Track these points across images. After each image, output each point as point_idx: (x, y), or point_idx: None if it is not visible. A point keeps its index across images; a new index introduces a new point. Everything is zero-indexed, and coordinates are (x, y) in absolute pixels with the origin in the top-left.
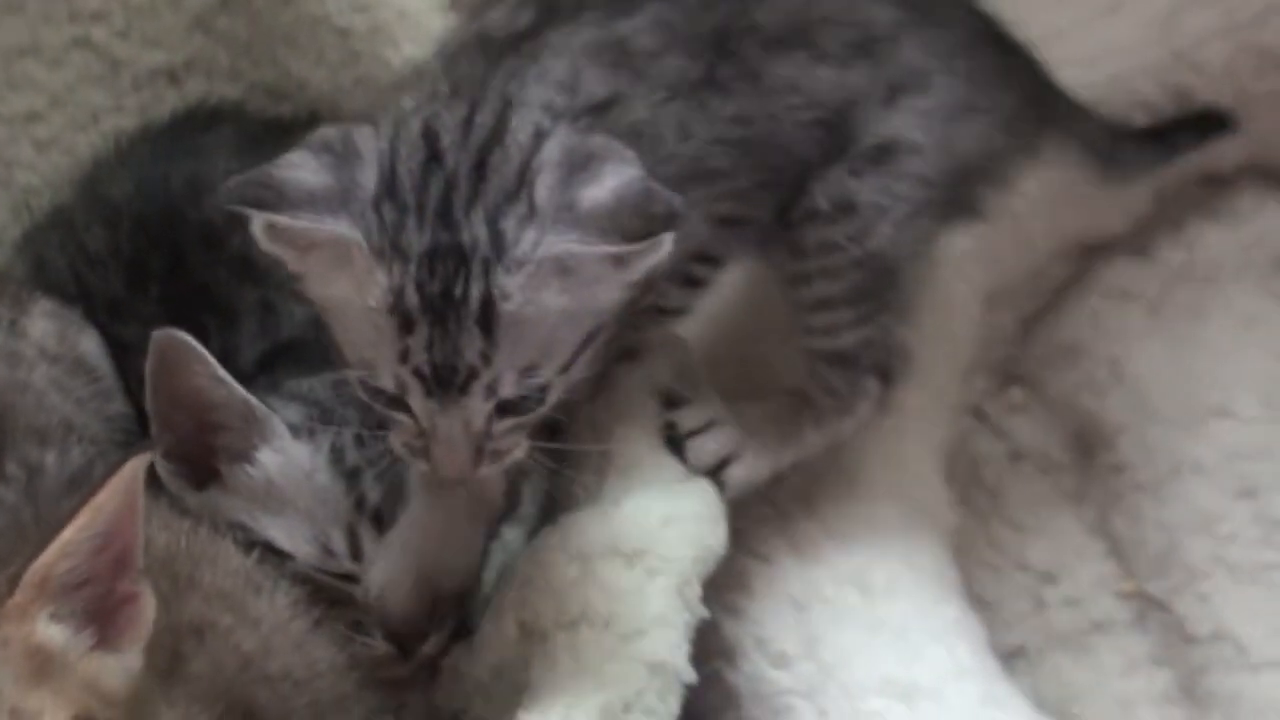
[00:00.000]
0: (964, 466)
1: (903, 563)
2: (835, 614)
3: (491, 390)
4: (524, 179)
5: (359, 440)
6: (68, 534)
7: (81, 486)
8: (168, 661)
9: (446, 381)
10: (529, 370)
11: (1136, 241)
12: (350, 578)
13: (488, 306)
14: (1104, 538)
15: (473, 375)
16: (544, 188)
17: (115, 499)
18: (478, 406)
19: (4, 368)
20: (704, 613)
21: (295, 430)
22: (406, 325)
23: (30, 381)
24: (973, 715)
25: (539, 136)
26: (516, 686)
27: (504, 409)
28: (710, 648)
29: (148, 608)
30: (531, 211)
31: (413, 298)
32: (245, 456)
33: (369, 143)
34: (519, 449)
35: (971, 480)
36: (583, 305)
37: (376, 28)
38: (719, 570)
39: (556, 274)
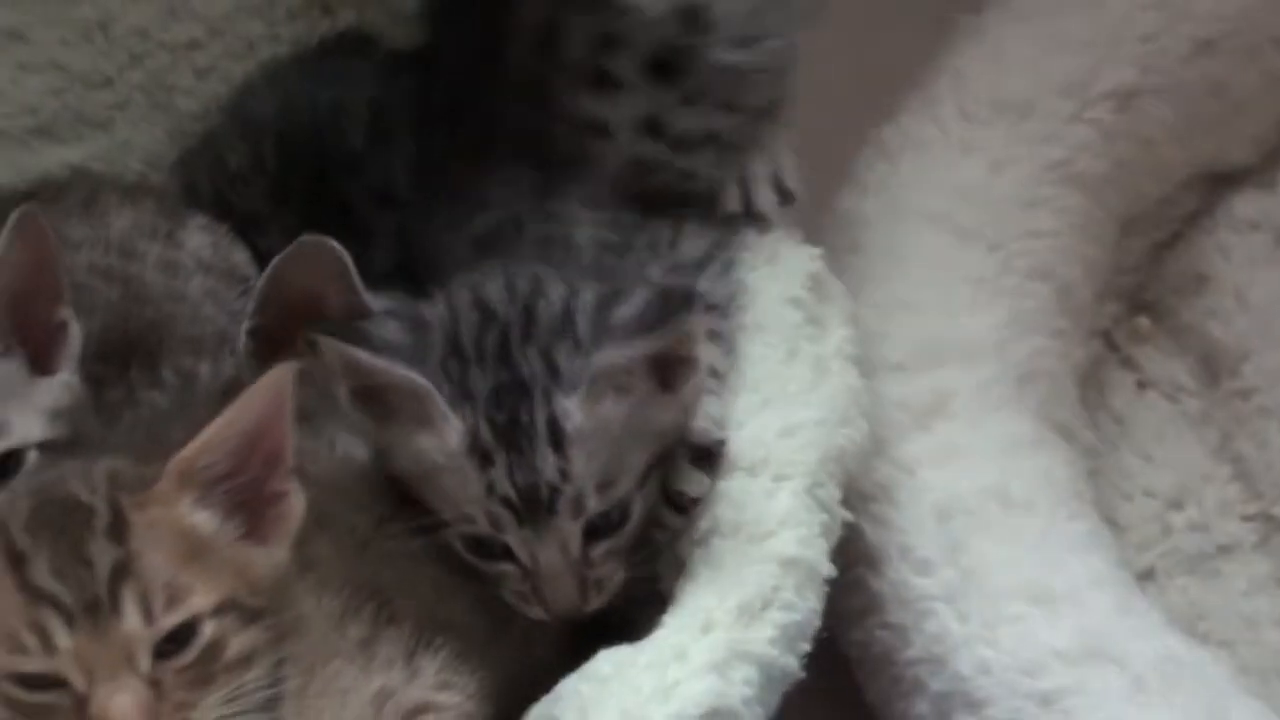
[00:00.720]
0: (1093, 393)
1: (1041, 477)
2: (976, 524)
3: (578, 507)
4: (568, 317)
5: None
6: (210, 430)
7: (233, 395)
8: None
9: (533, 502)
10: (606, 485)
11: (1265, 173)
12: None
13: (554, 426)
14: (1229, 462)
15: (555, 492)
16: (584, 321)
17: (261, 401)
18: (569, 527)
19: (163, 277)
20: (845, 514)
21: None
22: (486, 459)
23: (187, 291)
24: (1108, 621)
25: (573, 292)
26: None
27: (593, 532)
28: (854, 555)
29: (297, 505)
30: (577, 343)
31: (486, 433)
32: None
33: (432, 312)
34: (618, 575)
35: (1100, 406)
36: (642, 417)
37: None
38: (865, 482)
39: (608, 387)
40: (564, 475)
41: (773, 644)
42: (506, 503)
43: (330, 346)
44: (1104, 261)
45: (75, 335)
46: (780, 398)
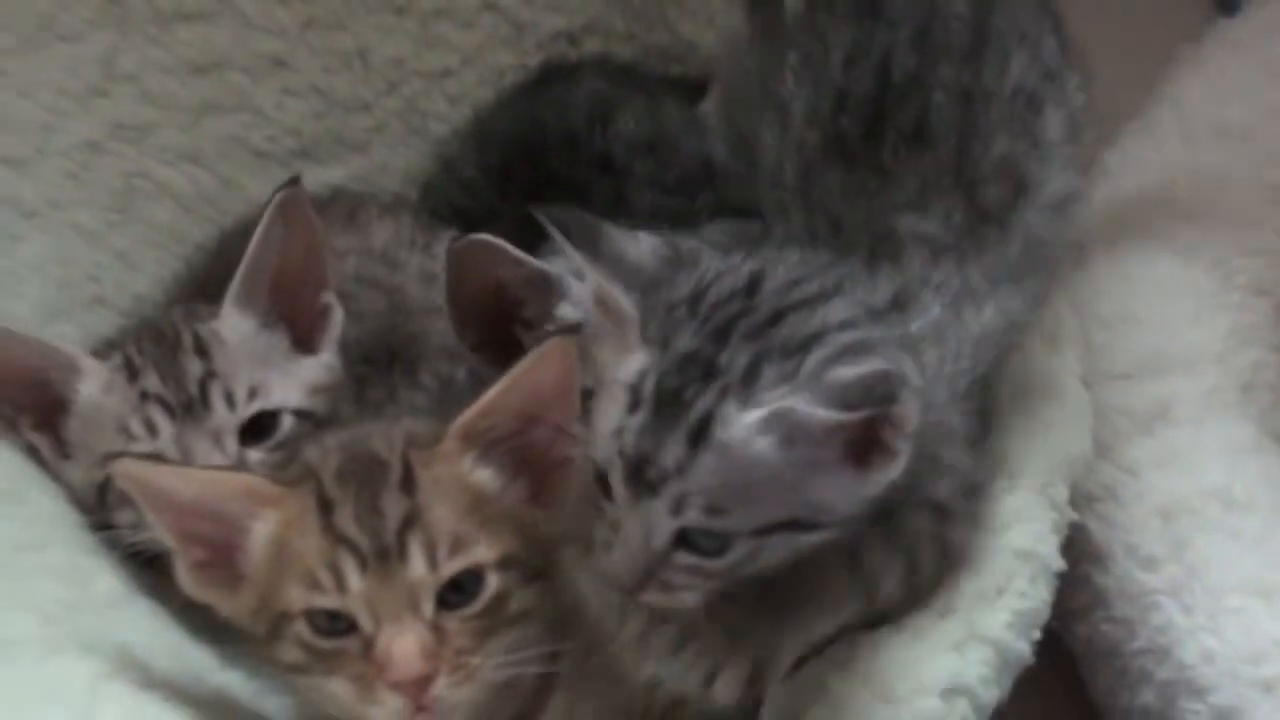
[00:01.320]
0: None
1: (1262, 479)
2: (1199, 523)
3: (679, 505)
4: (805, 347)
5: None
6: (491, 394)
7: None
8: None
9: (641, 471)
10: (718, 509)
11: None
12: None
13: (705, 423)
14: None
15: (664, 478)
16: (814, 360)
17: (540, 368)
18: (661, 518)
19: (422, 287)
20: (1072, 514)
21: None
22: (633, 405)
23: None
24: None
25: (844, 326)
26: None
27: (684, 540)
28: (1080, 553)
29: (575, 472)
30: (794, 372)
31: (650, 385)
32: (547, 317)
33: (705, 260)
34: (690, 595)
35: None
36: (797, 476)
37: None
38: (1090, 483)
39: (778, 430)
40: (680, 471)
41: (1008, 628)
42: (622, 454)
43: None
44: None
45: (337, 319)
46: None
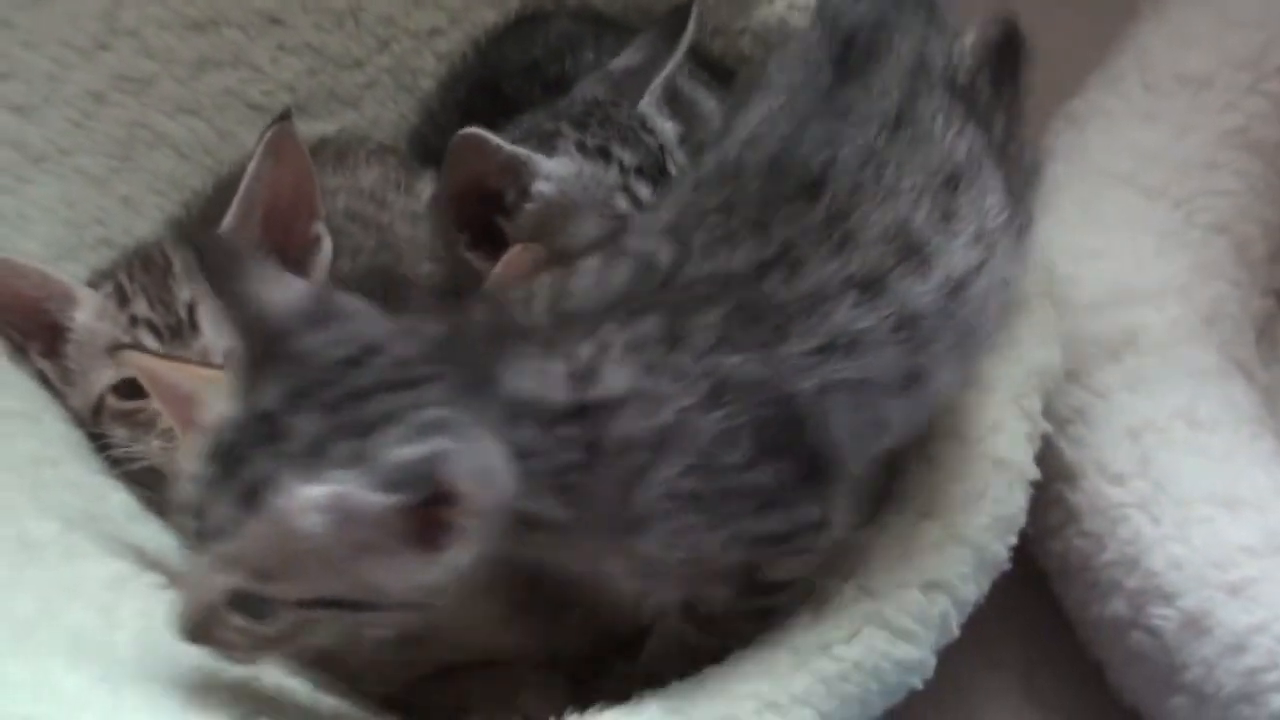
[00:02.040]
0: (1265, 348)
1: (1224, 402)
2: (1165, 440)
3: (226, 564)
4: (377, 426)
5: (586, 131)
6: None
7: None
8: None
9: (200, 524)
10: (264, 574)
11: None
12: None
13: (257, 487)
14: None
15: (215, 534)
16: (379, 440)
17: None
18: (211, 574)
19: (406, 227)
20: (1045, 425)
21: (546, 152)
22: (206, 454)
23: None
24: None
25: (425, 405)
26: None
27: (235, 600)
28: (1052, 472)
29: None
30: (361, 453)
31: (218, 438)
32: (524, 199)
33: (350, 323)
34: (250, 655)
35: (1274, 360)
36: (348, 557)
37: None
38: (1061, 406)
39: (334, 511)
40: (228, 532)
41: (985, 530)
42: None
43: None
44: (1278, 223)
45: (327, 249)
46: None
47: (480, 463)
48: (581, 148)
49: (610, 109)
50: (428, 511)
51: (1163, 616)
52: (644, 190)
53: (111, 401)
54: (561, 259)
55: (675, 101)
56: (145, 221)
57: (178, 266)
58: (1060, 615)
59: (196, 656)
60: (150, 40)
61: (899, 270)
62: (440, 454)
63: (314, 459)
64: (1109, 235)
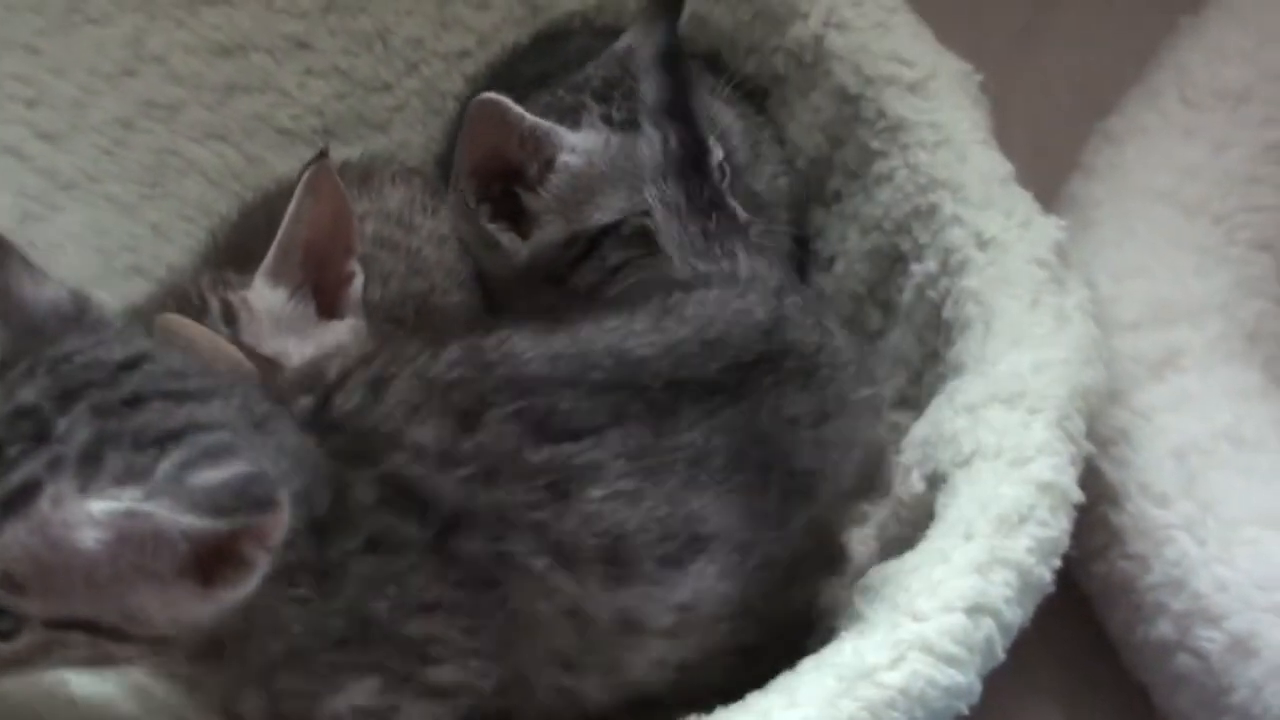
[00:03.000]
0: None
1: (1269, 421)
2: (1210, 461)
3: None
4: (161, 444)
5: (610, 104)
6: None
7: None
8: None
9: None
10: (16, 585)
11: None
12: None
13: (24, 491)
14: None
15: None
16: (172, 461)
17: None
18: None
19: (434, 250)
20: (1089, 447)
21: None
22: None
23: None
24: None
25: (210, 428)
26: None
27: None
28: (1095, 494)
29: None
30: (148, 470)
31: None
32: (548, 172)
33: (106, 330)
34: None
35: None
36: (117, 579)
37: None
38: (1104, 427)
39: (118, 530)
40: None
41: (1029, 553)
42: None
43: None
44: None
45: (359, 285)
46: (1028, 340)
47: (277, 493)
48: (608, 120)
49: (632, 83)
50: (220, 542)
51: (1209, 639)
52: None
53: None
54: (578, 246)
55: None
56: (175, 248)
57: (215, 308)
58: (1103, 639)
59: None
60: (177, 66)
61: None
62: (255, 476)
63: (90, 469)
64: (1149, 253)
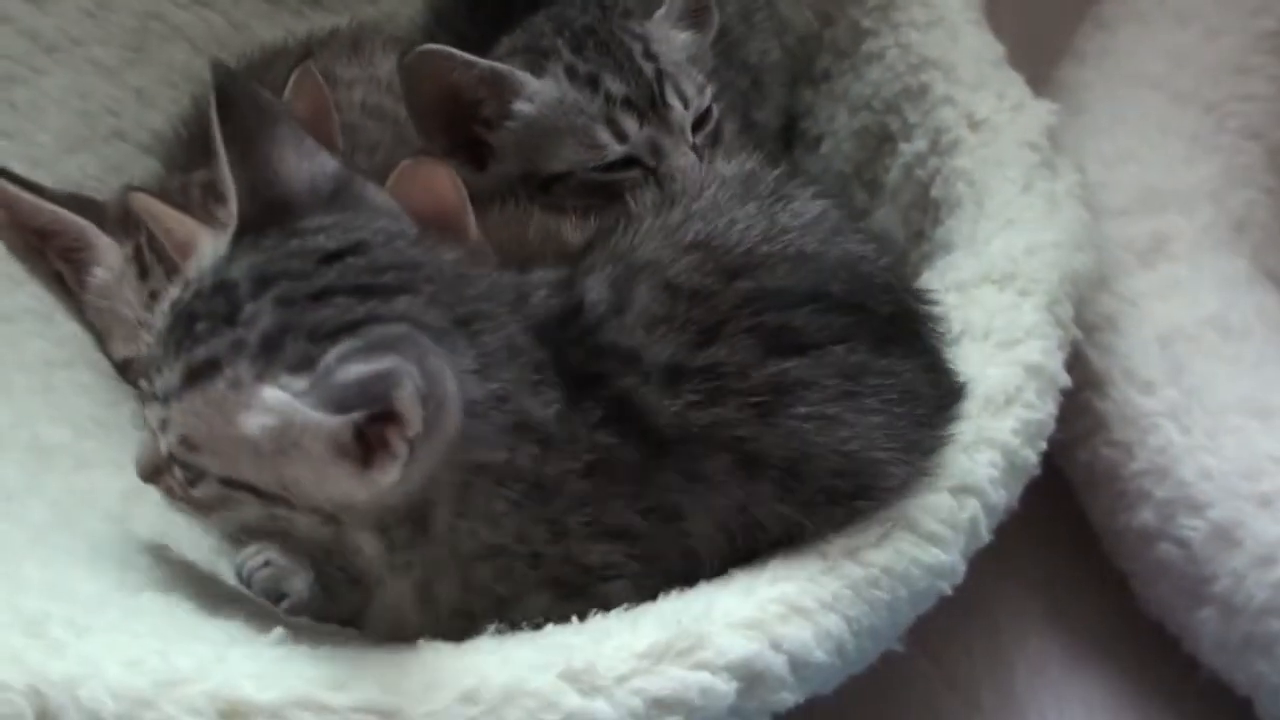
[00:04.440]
0: None
1: (1256, 311)
2: (1196, 348)
3: (163, 425)
4: (334, 336)
5: (580, 55)
6: None
7: None
8: None
9: (147, 377)
10: (192, 445)
11: None
12: (629, 161)
13: (205, 366)
14: None
15: (158, 396)
16: (334, 354)
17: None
18: (158, 428)
19: None
20: (1076, 332)
21: (534, 71)
22: (171, 306)
23: None
24: None
25: (385, 319)
26: None
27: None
28: (1080, 380)
29: None
30: (314, 361)
31: (178, 297)
32: (506, 115)
33: (359, 218)
34: (198, 514)
35: None
36: (278, 455)
37: None
38: (1090, 313)
39: (273, 414)
40: (168, 398)
41: (1014, 434)
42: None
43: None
44: None
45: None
46: (1021, 222)
47: (430, 388)
48: (571, 73)
49: (614, 28)
50: (367, 428)
51: (1192, 527)
52: (629, 122)
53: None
54: (535, 181)
55: (700, 10)
56: (158, 114)
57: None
58: (1084, 525)
59: (210, 567)
60: None
61: None
62: (389, 373)
63: (267, 357)
64: (1139, 140)
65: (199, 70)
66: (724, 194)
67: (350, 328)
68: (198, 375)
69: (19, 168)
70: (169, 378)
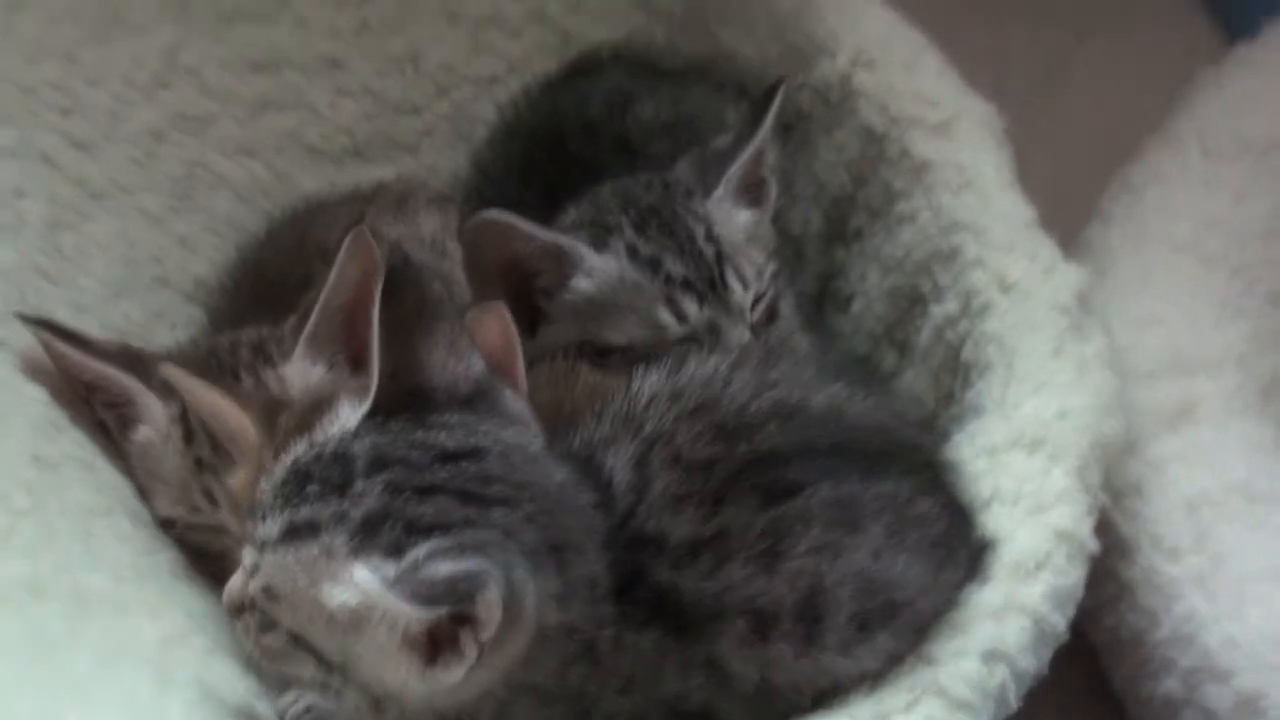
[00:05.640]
0: None
1: None
2: (1222, 515)
3: (254, 571)
4: (428, 532)
5: (643, 235)
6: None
7: None
8: None
9: (251, 538)
10: (273, 595)
11: None
12: (690, 339)
13: (305, 527)
14: None
15: (256, 541)
16: (424, 549)
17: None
18: (249, 570)
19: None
20: (1103, 498)
21: (596, 246)
22: (289, 460)
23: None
24: None
25: (477, 525)
26: None
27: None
28: (1106, 546)
29: None
30: (403, 551)
31: (300, 455)
32: (562, 287)
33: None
34: (268, 662)
35: None
36: (347, 628)
37: (803, 3)
38: (1116, 478)
39: (358, 593)
40: (264, 548)
41: (1044, 600)
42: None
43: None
44: None
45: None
46: (1051, 386)
47: (511, 599)
48: (633, 253)
49: (678, 209)
50: (441, 626)
51: (1217, 696)
52: (690, 304)
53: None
54: (590, 350)
55: (758, 186)
56: (202, 261)
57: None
58: (1108, 690)
59: (248, 711)
60: (210, 80)
61: None
62: (475, 575)
63: (365, 534)
64: (1166, 303)
65: (242, 219)
66: (725, 362)
67: (443, 527)
68: (297, 534)
69: (64, 313)
70: (270, 528)
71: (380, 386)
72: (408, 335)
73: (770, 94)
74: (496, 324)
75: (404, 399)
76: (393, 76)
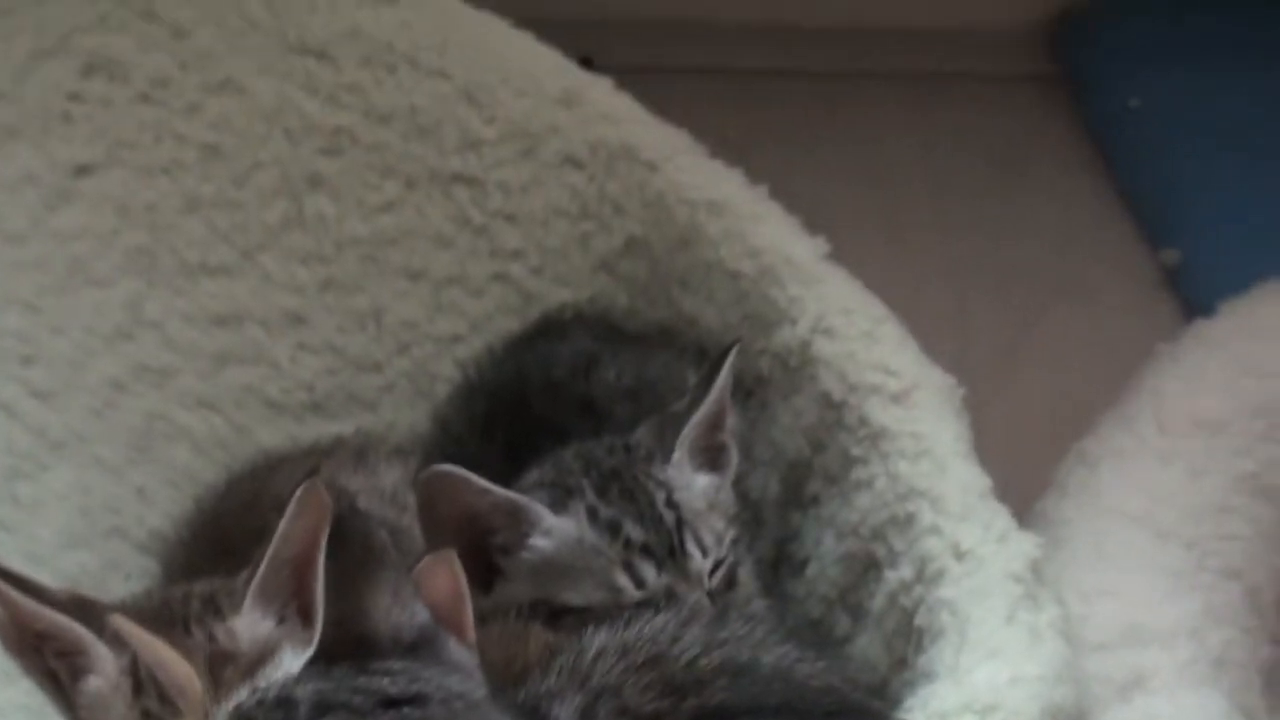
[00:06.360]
0: (1271, 696)
1: None
2: None
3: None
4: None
5: (604, 499)
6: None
7: None
8: None
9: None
10: None
11: None
12: (647, 604)
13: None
14: None
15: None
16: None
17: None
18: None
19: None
20: None
21: (555, 508)
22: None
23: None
24: None
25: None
26: None
27: None
28: None
29: None
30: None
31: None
32: (520, 545)
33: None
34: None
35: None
36: None
37: (764, 271)
38: None
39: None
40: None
41: None
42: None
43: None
44: None
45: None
46: (1004, 653)
47: None
48: (593, 515)
49: (638, 474)
50: None
51: None
52: (648, 570)
53: None
54: (544, 610)
55: (718, 450)
56: (158, 513)
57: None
58: None
59: None
60: (173, 333)
61: None
62: None
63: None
64: (1119, 575)
65: (200, 471)
66: (675, 619)
67: None
68: None
69: (19, 561)
70: None
71: (325, 633)
72: (352, 582)
73: (722, 356)
74: (446, 574)
75: (349, 645)
76: (354, 333)
